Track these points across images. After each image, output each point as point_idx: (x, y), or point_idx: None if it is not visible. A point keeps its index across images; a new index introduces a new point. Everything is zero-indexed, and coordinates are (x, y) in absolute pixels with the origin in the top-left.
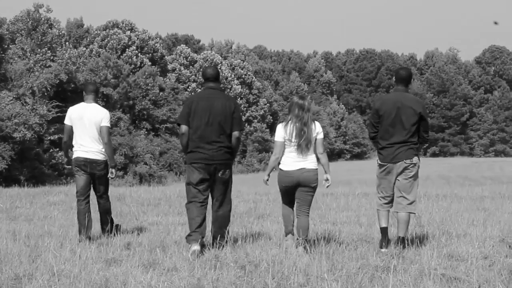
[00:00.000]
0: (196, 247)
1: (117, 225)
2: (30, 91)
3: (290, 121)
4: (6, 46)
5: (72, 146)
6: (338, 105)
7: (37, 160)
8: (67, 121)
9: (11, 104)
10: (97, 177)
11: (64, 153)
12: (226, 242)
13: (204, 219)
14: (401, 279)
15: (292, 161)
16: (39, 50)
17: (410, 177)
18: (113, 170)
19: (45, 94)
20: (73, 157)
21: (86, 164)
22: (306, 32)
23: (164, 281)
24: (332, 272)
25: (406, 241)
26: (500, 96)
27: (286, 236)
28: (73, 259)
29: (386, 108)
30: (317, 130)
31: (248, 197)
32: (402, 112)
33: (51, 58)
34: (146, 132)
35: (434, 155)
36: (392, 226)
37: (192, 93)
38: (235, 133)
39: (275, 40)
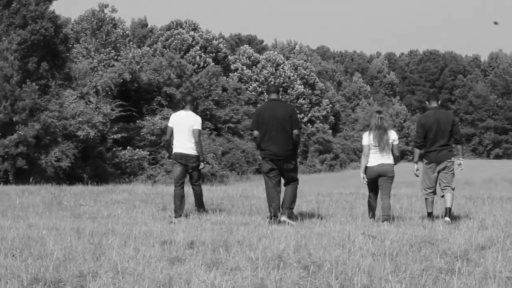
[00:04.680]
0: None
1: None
2: (94, 90)
3: (371, 130)
4: (70, 45)
5: (173, 144)
6: (401, 106)
7: (100, 158)
8: (170, 124)
9: (75, 102)
10: (190, 168)
11: (166, 149)
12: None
13: (278, 205)
14: (465, 281)
15: (375, 160)
16: (103, 49)
17: (451, 171)
18: (202, 163)
19: (109, 93)
20: (172, 152)
21: (182, 157)
22: (370, 33)
23: (227, 281)
24: (395, 273)
25: (452, 212)
26: None
27: (370, 218)
28: (136, 257)
29: (429, 122)
30: (393, 137)
31: (310, 197)
32: (441, 123)
33: (115, 57)
34: (208, 132)
35: (497, 157)
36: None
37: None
38: (295, 131)
39: (338, 40)
